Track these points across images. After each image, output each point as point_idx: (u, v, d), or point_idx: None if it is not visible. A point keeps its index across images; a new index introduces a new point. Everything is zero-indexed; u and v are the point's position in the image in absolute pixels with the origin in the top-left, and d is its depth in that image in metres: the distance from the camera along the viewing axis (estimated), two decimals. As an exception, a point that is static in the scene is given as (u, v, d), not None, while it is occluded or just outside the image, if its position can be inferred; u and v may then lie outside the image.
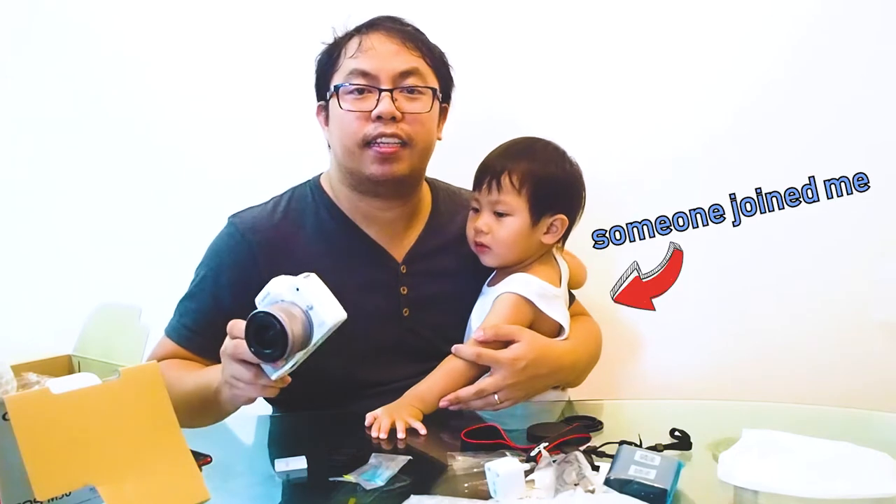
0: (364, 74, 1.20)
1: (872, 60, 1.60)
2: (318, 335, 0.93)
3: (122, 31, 1.60)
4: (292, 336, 0.89)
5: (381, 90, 1.20)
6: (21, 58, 1.59)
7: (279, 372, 0.93)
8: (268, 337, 0.89)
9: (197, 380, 1.12)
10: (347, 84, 1.21)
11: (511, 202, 1.22)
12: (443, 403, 1.14)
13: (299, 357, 0.93)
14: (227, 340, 0.97)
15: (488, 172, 1.24)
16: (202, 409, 1.11)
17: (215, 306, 1.22)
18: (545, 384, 1.23)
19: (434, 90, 1.25)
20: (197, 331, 1.23)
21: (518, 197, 1.22)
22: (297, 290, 0.93)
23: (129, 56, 1.60)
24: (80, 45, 1.60)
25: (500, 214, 1.23)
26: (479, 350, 1.14)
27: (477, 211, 1.26)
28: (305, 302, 0.92)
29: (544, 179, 1.23)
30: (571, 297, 1.39)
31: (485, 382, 1.15)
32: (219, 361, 1.23)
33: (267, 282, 1.22)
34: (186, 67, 1.61)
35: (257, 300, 0.95)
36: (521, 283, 1.23)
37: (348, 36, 1.26)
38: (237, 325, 0.95)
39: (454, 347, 1.17)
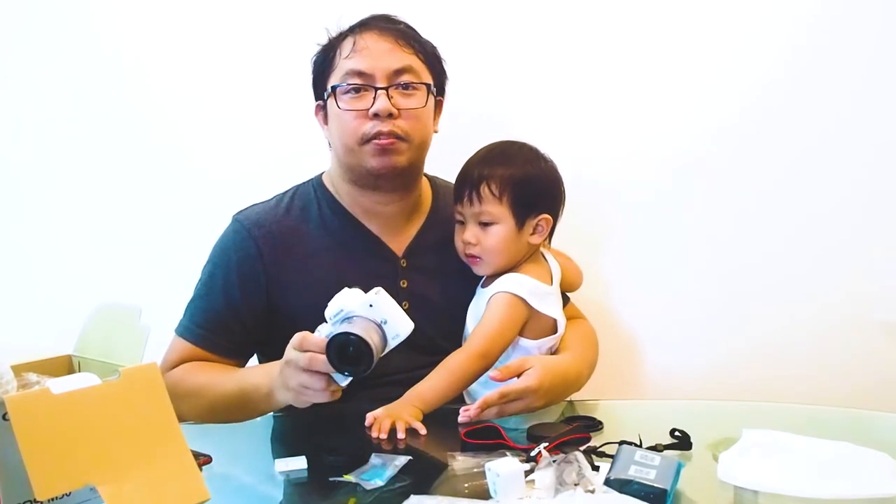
0: (359, 74, 1.23)
1: (873, 61, 1.60)
2: (391, 346, 1.00)
3: (122, 32, 1.60)
4: (375, 352, 0.95)
5: (376, 88, 1.22)
6: (21, 58, 1.59)
7: (348, 379, 0.99)
8: (349, 353, 0.95)
9: (239, 382, 1.17)
10: (344, 84, 1.23)
11: (493, 211, 1.23)
12: (471, 414, 1.09)
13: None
14: (296, 353, 1.00)
15: (466, 184, 1.25)
16: (243, 409, 1.16)
17: (227, 304, 1.26)
18: (561, 397, 1.23)
19: (428, 86, 1.27)
20: (211, 330, 1.26)
21: (500, 204, 1.23)
22: (371, 306, 0.98)
23: (128, 56, 1.60)
24: (81, 45, 1.60)
25: (485, 224, 1.24)
26: (502, 390, 1.11)
27: (462, 223, 1.27)
28: (379, 317, 0.98)
29: (522, 182, 1.23)
30: (566, 300, 1.39)
31: (509, 387, 1.13)
32: (234, 358, 1.27)
33: (270, 275, 1.23)
34: (186, 68, 1.61)
35: (328, 314, 1.00)
36: (513, 283, 1.23)
37: (342, 36, 1.28)
38: (308, 339, 0.99)
39: (477, 404, 1.10)
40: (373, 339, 0.96)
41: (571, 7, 1.62)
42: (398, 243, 1.32)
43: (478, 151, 1.28)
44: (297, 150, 1.56)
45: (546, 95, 1.63)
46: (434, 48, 1.31)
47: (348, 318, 0.98)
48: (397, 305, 1.00)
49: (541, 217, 1.26)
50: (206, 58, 1.61)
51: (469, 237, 1.25)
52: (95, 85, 1.61)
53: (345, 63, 1.24)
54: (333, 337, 0.95)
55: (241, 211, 1.31)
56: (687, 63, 1.62)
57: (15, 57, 1.59)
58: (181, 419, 1.13)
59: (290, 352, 1.02)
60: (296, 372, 1.01)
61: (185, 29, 1.60)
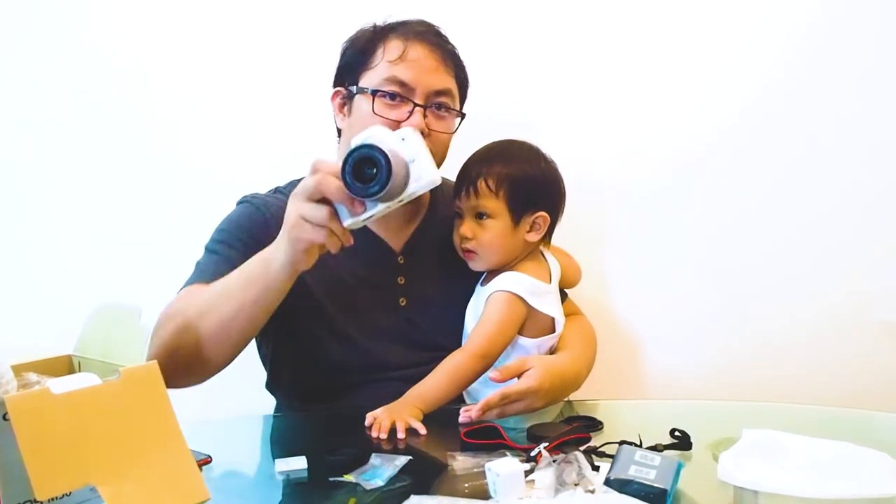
0: (402, 84, 1.21)
1: (873, 61, 1.60)
2: (411, 190, 0.91)
3: (121, 32, 1.60)
4: (394, 178, 0.86)
5: (415, 104, 1.21)
6: (21, 58, 1.59)
7: (354, 220, 0.91)
8: (366, 173, 0.86)
9: (241, 268, 1.07)
10: (383, 90, 1.21)
11: (489, 205, 1.23)
12: (472, 415, 1.09)
13: (379, 210, 0.90)
14: (304, 181, 0.94)
15: (465, 179, 1.25)
16: (245, 290, 1.05)
17: (238, 255, 1.16)
18: (562, 397, 1.24)
19: (460, 114, 1.27)
20: (224, 273, 1.13)
21: (496, 199, 1.23)
22: (403, 139, 0.91)
23: (128, 56, 1.60)
24: (80, 45, 1.60)
25: (481, 217, 1.24)
26: (503, 391, 1.11)
27: (460, 217, 1.27)
28: (409, 154, 0.90)
29: (519, 180, 1.24)
30: (564, 296, 1.39)
31: (509, 388, 1.12)
32: None
33: None
34: (185, 68, 1.61)
35: (354, 140, 0.91)
36: (511, 281, 1.23)
37: (386, 32, 1.25)
38: (324, 162, 0.93)
39: (479, 406, 1.09)
40: (396, 165, 0.86)
41: (573, 7, 1.62)
42: (396, 240, 1.31)
43: (479, 149, 1.29)
44: (298, 150, 1.54)
45: (547, 95, 1.63)
46: (467, 77, 1.30)
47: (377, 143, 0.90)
48: (429, 151, 0.92)
49: (538, 215, 1.26)
50: (206, 58, 1.60)
51: (465, 231, 1.25)
52: (95, 85, 1.61)
53: (388, 67, 1.21)
54: (355, 148, 0.87)
55: (246, 196, 1.29)
56: (687, 63, 1.62)
57: (15, 57, 1.59)
58: (198, 346, 1.05)
59: (294, 191, 0.96)
60: (300, 202, 0.94)
61: (185, 29, 1.60)
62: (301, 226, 0.95)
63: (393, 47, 1.23)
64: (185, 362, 1.06)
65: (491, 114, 1.56)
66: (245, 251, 1.15)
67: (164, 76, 1.61)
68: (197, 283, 1.16)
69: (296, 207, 0.96)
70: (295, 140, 1.58)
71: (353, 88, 1.25)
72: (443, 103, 1.24)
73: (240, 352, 1.11)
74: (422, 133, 1.17)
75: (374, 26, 1.27)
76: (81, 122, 1.61)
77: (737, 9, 1.60)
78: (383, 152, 0.86)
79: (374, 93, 1.21)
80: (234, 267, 1.12)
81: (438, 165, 1.25)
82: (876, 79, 1.61)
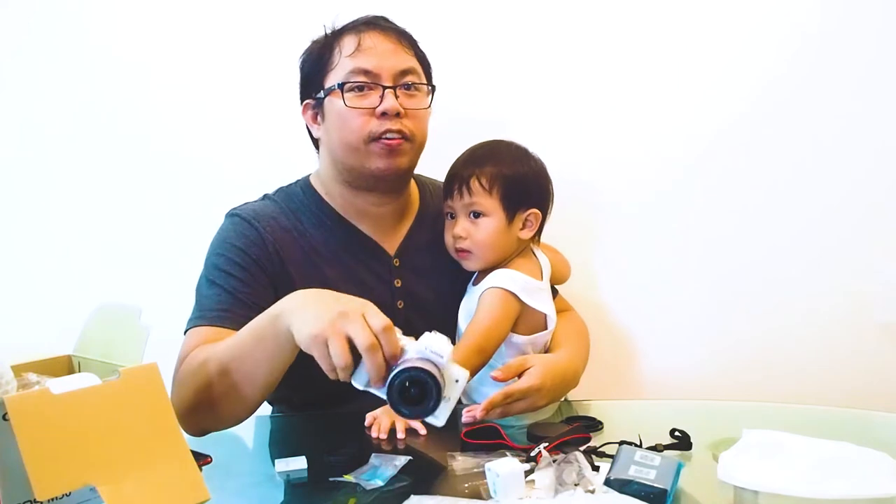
0: (366, 72, 1.22)
1: (872, 61, 1.60)
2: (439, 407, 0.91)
3: (121, 33, 1.60)
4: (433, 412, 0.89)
5: (384, 87, 1.21)
6: (21, 59, 1.59)
7: (361, 385, 0.92)
8: (413, 391, 0.88)
9: (252, 328, 1.03)
10: (351, 81, 1.22)
11: (484, 202, 1.24)
12: (475, 415, 1.07)
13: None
14: (361, 322, 0.90)
15: (457, 179, 1.26)
16: (258, 346, 1.02)
17: (238, 283, 1.18)
18: (562, 394, 1.24)
19: (430, 87, 1.28)
20: (226, 309, 1.16)
21: (490, 197, 1.24)
22: (452, 363, 0.91)
23: (127, 58, 1.60)
24: (80, 46, 1.60)
25: (476, 216, 1.25)
26: (505, 390, 1.11)
27: (452, 217, 1.28)
28: (452, 376, 0.90)
29: (512, 178, 1.24)
30: (554, 292, 1.39)
31: (512, 387, 1.12)
32: None
33: (276, 265, 1.20)
34: (184, 69, 1.61)
35: (417, 346, 0.91)
36: (505, 278, 1.24)
37: (338, 34, 1.27)
38: (391, 335, 0.91)
39: (483, 406, 1.07)
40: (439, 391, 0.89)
41: (566, 7, 1.61)
42: (390, 243, 1.31)
43: (466, 150, 1.29)
44: (297, 150, 1.55)
45: (540, 96, 1.63)
46: (425, 54, 1.31)
47: (427, 359, 0.90)
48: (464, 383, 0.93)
49: (530, 212, 1.26)
50: (208, 59, 1.61)
51: (459, 231, 1.25)
52: (96, 86, 1.61)
53: (348, 61, 1.23)
54: (413, 370, 0.87)
55: (235, 208, 1.29)
56: (683, 63, 1.62)
57: (15, 58, 1.59)
58: (215, 411, 1.04)
59: (353, 312, 0.91)
60: (334, 338, 0.90)
61: (185, 31, 1.60)
62: (321, 349, 0.91)
63: (347, 43, 1.24)
64: (219, 413, 1.05)
65: (488, 114, 1.56)
66: (244, 276, 1.18)
67: (165, 77, 1.61)
68: (202, 324, 1.15)
69: (329, 331, 0.91)
70: (295, 140, 1.57)
71: (321, 93, 1.26)
72: (410, 82, 1.24)
73: (273, 388, 1.07)
74: (398, 115, 1.20)
75: (325, 34, 1.28)
76: (82, 122, 1.61)
77: (735, 9, 1.60)
78: (439, 391, 0.87)
79: (342, 86, 1.22)
80: (236, 298, 1.16)
81: (421, 145, 1.27)
82: (875, 79, 1.60)
